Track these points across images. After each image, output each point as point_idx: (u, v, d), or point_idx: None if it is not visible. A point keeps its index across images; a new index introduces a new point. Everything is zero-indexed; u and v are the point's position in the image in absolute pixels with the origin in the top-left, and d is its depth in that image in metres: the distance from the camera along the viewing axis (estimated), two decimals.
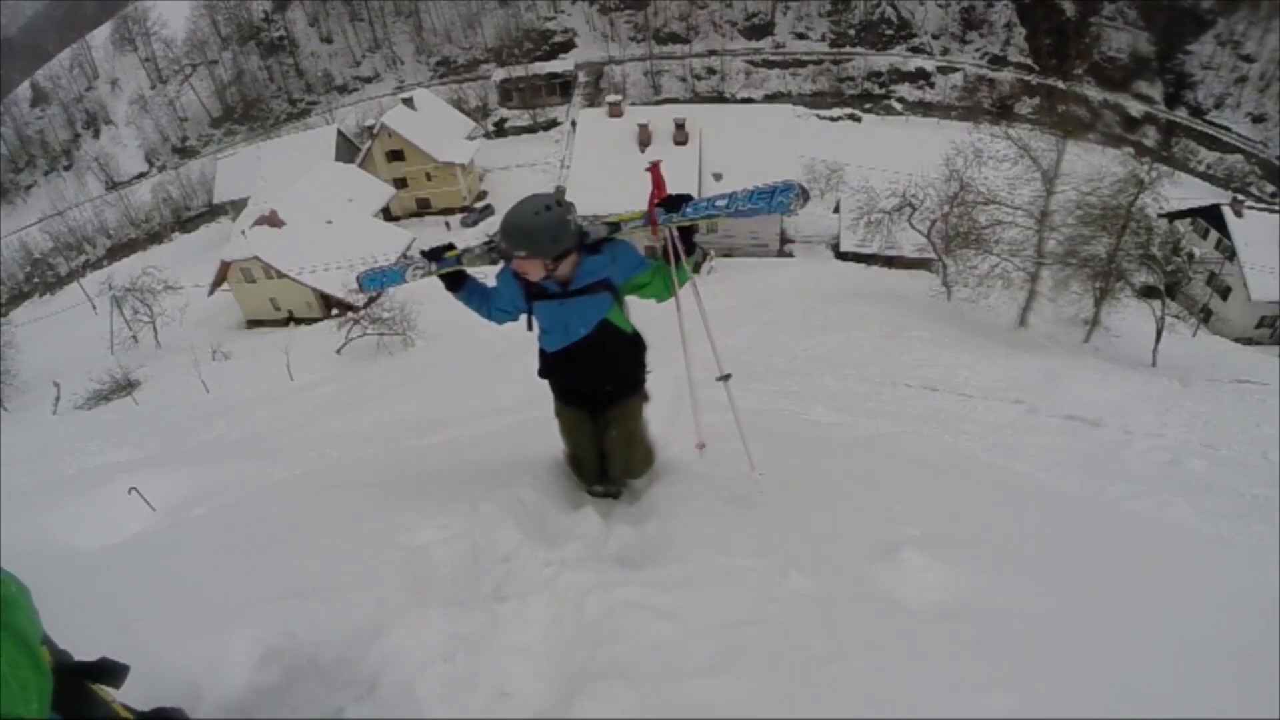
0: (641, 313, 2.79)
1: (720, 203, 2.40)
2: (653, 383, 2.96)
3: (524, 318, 2.66)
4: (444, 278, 2.73)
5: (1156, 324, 19.01)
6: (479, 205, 38.68)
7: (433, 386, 13.55)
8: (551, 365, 2.79)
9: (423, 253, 2.76)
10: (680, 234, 2.45)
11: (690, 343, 2.79)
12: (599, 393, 2.86)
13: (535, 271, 2.45)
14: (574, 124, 39.54)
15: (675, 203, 2.41)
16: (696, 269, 2.56)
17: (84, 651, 1.27)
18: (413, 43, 55.00)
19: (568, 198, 2.46)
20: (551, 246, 2.38)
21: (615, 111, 32.84)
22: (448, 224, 36.83)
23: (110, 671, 1.25)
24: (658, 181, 2.47)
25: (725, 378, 2.72)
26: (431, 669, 1.86)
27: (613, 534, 2.71)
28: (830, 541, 2.41)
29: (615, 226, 2.56)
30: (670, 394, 5.03)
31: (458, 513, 2.58)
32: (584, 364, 2.71)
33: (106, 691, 1.27)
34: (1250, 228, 28.78)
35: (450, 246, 2.77)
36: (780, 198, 2.30)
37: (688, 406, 3.08)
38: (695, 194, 2.44)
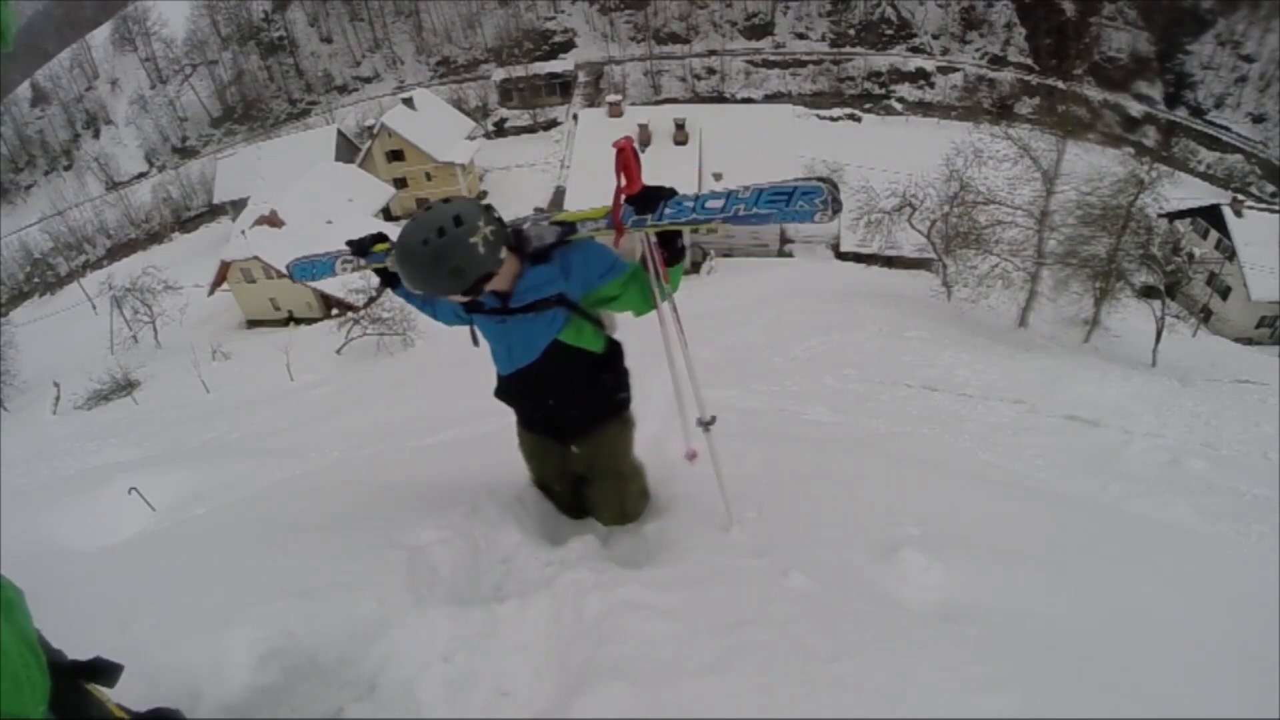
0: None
1: (713, 203, 1.81)
2: (639, 406, 2.52)
3: (470, 329, 2.18)
4: (379, 273, 2.26)
5: (1156, 324, 18.99)
6: None
7: (433, 386, 13.54)
8: (503, 388, 2.35)
9: (348, 243, 2.32)
10: (660, 239, 1.91)
11: (679, 345, 2.33)
12: (562, 421, 2.38)
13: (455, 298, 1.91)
14: (575, 117, 39.42)
15: (651, 200, 1.84)
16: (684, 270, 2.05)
17: (84, 652, 1.27)
18: (413, 43, 55.01)
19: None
20: (452, 282, 1.80)
21: (615, 111, 32.78)
22: None
23: (104, 670, 1.25)
24: (627, 167, 1.82)
25: (708, 423, 2.26)
26: (431, 669, 1.86)
27: (613, 534, 2.70)
28: (830, 541, 2.41)
29: (570, 227, 1.97)
30: (667, 393, 5.00)
31: (458, 513, 2.57)
32: (538, 390, 2.25)
33: (101, 691, 1.27)
34: (1250, 228, 28.81)
35: (381, 238, 2.29)
36: (801, 203, 1.71)
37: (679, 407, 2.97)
38: (694, 191, 1.91)
